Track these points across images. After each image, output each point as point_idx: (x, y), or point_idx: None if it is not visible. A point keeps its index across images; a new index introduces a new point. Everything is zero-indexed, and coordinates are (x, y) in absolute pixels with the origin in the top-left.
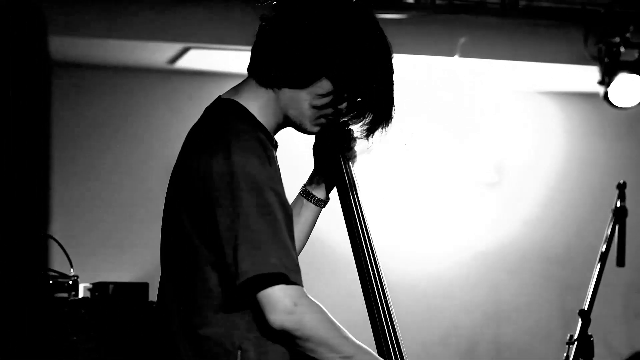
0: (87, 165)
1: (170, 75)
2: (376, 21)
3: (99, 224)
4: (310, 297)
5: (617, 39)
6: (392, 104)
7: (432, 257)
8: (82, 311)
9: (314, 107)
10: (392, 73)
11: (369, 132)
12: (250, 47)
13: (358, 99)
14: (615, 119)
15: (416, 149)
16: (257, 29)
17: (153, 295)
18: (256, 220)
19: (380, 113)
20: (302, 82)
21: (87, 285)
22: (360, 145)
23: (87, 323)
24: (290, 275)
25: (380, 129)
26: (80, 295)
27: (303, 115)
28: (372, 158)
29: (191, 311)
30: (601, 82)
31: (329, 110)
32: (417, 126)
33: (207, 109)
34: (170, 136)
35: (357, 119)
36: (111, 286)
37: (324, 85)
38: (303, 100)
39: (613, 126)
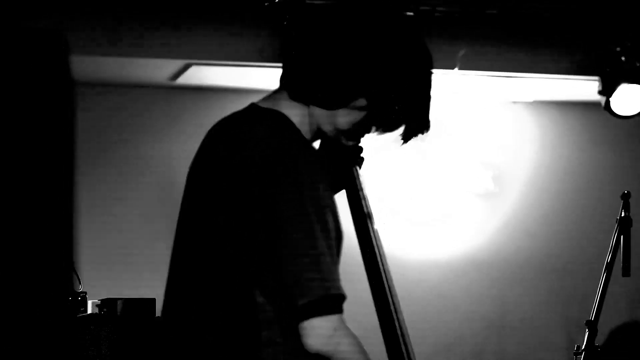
0: (88, 181)
1: (172, 91)
2: (414, 28)
3: (104, 240)
4: (347, 325)
5: (618, 48)
6: (428, 112)
7: (434, 268)
8: (91, 327)
9: (350, 123)
10: (431, 81)
11: (405, 140)
12: (250, 64)
13: (396, 109)
14: (617, 128)
15: (416, 160)
16: (284, 40)
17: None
18: (320, 242)
19: (417, 122)
20: (338, 104)
21: (95, 301)
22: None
23: (96, 339)
24: (339, 302)
25: (415, 137)
26: (89, 311)
27: (338, 131)
28: (372, 170)
29: (228, 329)
30: (602, 92)
31: (365, 125)
32: (417, 138)
33: (244, 115)
34: (172, 152)
35: (392, 129)
36: (119, 302)
37: (361, 102)
38: (338, 117)
39: (616, 136)
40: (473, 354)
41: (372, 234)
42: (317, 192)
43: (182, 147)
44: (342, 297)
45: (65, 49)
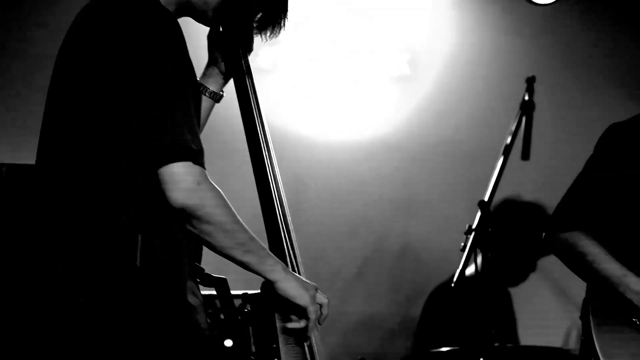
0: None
1: None
2: None
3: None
4: (212, 181)
5: None
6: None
7: (342, 150)
8: None
9: None
10: None
11: (264, 27)
12: None
13: None
14: (532, 15)
15: (330, 41)
16: None
17: None
18: (169, 96)
19: (276, 10)
20: None
21: None
22: (256, 38)
23: None
24: (197, 155)
25: (276, 26)
26: None
27: (207, 4)
28: (284, 48)
29: (84, 192)
30: None
31: (232, 2)
32: (331, 18)
33: None
34: None
35: (254, 14)
36: (4, 168)
37: None
38: None
39: (529, 23)
40: (378, 234)
41: (257, 122)
42: (163, 42)
43: None
44: (189, 151)
45: None
